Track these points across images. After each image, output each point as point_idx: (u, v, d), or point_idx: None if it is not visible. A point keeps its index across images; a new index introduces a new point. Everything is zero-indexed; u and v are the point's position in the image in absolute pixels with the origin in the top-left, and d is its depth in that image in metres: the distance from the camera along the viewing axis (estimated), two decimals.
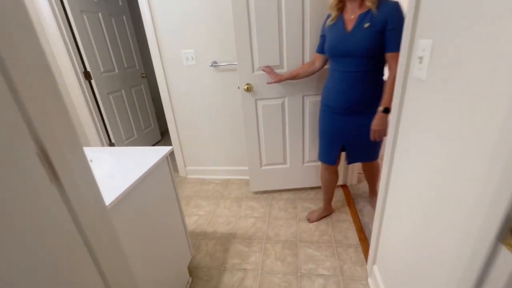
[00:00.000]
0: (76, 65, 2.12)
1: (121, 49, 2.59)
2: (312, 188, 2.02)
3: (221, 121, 2.11)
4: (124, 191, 0.84)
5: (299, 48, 1.56)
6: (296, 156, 1.87)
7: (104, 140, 2.41)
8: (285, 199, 1.94)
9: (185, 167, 2.36)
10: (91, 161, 1.12)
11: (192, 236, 1.64)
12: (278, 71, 1.61)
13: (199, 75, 1.97)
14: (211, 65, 1.88)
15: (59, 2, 1.95)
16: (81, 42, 2.13)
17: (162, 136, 3.35)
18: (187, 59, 1.92)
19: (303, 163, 1.90)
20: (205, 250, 1.53)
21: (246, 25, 1.50)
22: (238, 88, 1.67)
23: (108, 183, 0.88)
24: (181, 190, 2.17)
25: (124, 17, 2.64)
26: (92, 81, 2.26)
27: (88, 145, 2.34)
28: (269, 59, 1.58)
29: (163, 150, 1.10)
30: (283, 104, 1.72)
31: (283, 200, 1.93)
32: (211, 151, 2.25)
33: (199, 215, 1.85)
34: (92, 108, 2.28)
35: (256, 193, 2.04)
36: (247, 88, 1.62)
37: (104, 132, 2.43)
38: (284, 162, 1.90)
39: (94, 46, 2.26)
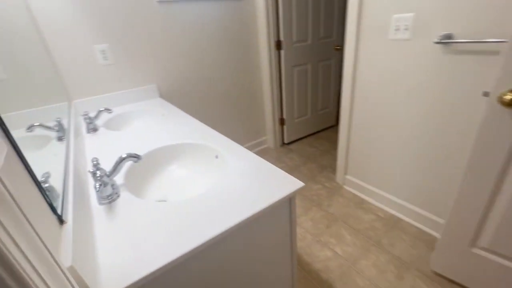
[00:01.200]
0: (272, 33, 2.03)
1: (322, 14, 2.22)
2: None
3: (423, 134, 1.31)
4: (223, 232, 0.54)
5: None
6: None
7: (276, 114, 2.35)
8: None
9: (345, 174, 1.83)
10: (217, 157, 0.93)
11: (312, 279, 1.22)
12: None
13: (410, 56, 1.23)
14: (439, 42, 1.08)
15: None
16: (282, 7, 1.97)
17: (338, 122, 2.89)
18: (397, 29, 1.22)
19: None
20: None
21: None
22: (485, 94, 0.82)
23: (210, 210, 0.61)
24: (328, 202, 1.71)
25: None
26: (282, 52, 2.13)
27: (263, 117, 2.37)
28: None
29: (290, 185, 0.68)
30: None
31: None
32: (387, 169, 1.54)
33: (335, 254, 1.35)
34: (274, 81, 2.20)
35: (439, 275, 1.18)
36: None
37: (278, 106, 2.34)
38: None
39: (294, 11, 2.04)
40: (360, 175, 1.72)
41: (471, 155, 0.91)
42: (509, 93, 0.74)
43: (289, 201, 0.69)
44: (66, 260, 0.38)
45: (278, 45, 2.11)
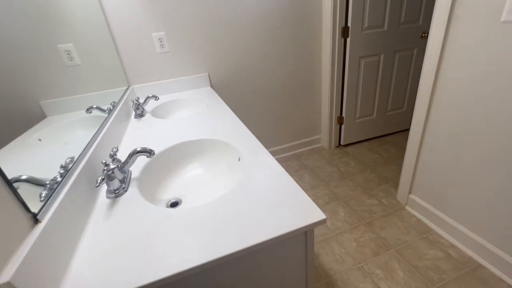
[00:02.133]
0: (338, 17, 1.76)
1: None
2: None
3: None
4: (211, 261, 0.45)
5: None
6: None
7: (333, 112, 2.09)
8: None
9: (409, 193, 1.49)
10: (239, 160, 0.83)
11: None
12: None
13: None
14: None
15: None
16: None
17: None
18: None
19: None
20: None
21: None
22: None
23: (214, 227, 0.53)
24: (382, 223, 1.43)
25: None
26: (348, 40, 1.84)
27: (319, 114, 2.15)
28: None
29: (310, 215, 0.53)
30: None
31: None
32: (470, 198, 1.16)
33: None
34: (336, 73, 1.94)
35: None
36: None
37: (338, 103, 2.07)
38: None
39: None
40: (429, 197, 1.37)
41: None
42: None
43: (304, 234, 0.54)
44: (6, 274, 0.34)
45: (345, 32, 1.83)
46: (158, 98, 1.34)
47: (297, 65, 1.92)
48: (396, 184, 1.71)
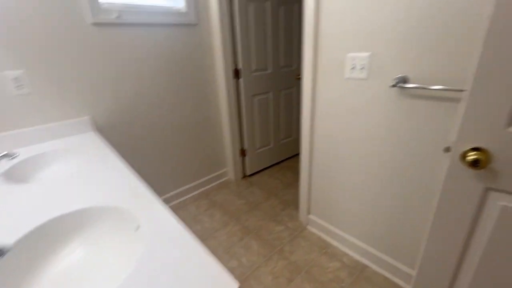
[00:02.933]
0: (229, 61, 1.91)
1: (281, 43, 2.18)
2: None
3: (382, 178, 1.23)
4: None
5: None
6: None
7: (236, 145, 2.19)
8: None
9: (308, 213, 1.70)
10: (138, 228, 0.71)
11: None
12: None
13: (367, 97, 1.16)
14: (394, 85, 1.02)
15: None
16: (240, 35, 1.88)
17: None
18: (353, 68, 1.16)
19: None
20: None
21: None
22: (447, 150, 0.74)
23: None
24: (290, 248, 1.55)
25: (295, 6, 2.18)
26: (240, 80, 2.02)
27: (222, 149, 2.20)
28: None
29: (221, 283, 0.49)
30: None
31: None
32: (350, 211, 1.43)
33: None
34: (233, 110, 2.06)
35: None
36: (474, 159, 0.66)
37: (238, 137, 2.19)
38: None
39: (252, 39, 1.96)
40: (324, 215, 1.60)
41: (435, 215, 0.81)
42: (471, 153, 0.66)
43: None
44: None
45: (237, 73, 2.00)
46: (17, 155, 1.02)
47: (196, 104, 1.93)
48: (297, 207, 1.92)
